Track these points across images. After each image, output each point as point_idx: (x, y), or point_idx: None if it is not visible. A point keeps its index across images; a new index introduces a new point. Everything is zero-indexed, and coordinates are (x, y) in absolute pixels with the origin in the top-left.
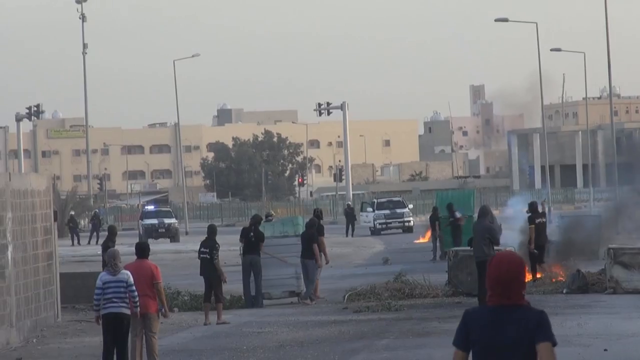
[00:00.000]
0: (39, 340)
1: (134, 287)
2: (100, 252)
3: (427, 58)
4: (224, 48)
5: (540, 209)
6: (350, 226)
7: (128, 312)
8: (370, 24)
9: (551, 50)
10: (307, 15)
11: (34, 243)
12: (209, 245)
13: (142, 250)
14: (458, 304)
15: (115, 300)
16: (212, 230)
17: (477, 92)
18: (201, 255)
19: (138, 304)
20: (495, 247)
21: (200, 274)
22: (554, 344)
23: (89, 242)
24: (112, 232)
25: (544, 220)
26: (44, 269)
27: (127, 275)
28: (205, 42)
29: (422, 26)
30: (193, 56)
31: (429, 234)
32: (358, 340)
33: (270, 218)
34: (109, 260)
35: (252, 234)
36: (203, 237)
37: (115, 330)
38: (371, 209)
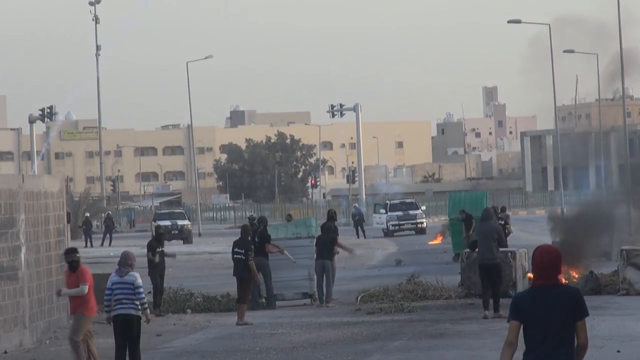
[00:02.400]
0: (52, 341)
1: (141, 289)
2: (112, 253)
3: (439, 60)
4: (237, 50)
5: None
6: (359, 228)
7: (137, 313)
8: (383, 26)
9: (564, 51)
10: (320, 17)
11: (47, 245)
12: (244, 245)
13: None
14: (471, 305)
15: (124, 301)
16: (245, 230)
17: (489, 93)
18: (235, 256)
19: (146, 306)
20: (501, 249)
21: (234, 274)
22: (587, 316)
23: (102, 244)
24: (159, 233)
25: (502, 222)
26: (57, 270)
27: (135, 277)
28: (218, 43)
29: (435, 28)
30: (206, 58)
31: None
32: (371, 341)
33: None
34: (120, 261)
35: (256, 238)
36: (216, 239)
37: (125, 332)
38: (384, 211)
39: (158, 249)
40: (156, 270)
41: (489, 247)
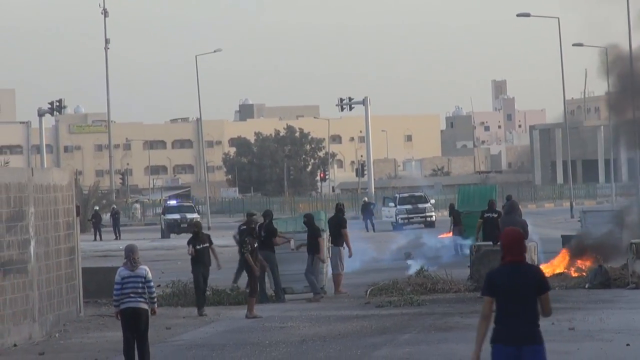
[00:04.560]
0: (61, 334)
1: (152, 283)
2: (122, 247)
3: (448, 53)
4: (246, 43)
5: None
6: (368, 221)
7: (146, 306)
8: (392, 19)
9: (573, 45)
10: (329, 10)
11: (56, 238)
12: (241, 240)
13: None
14: (480, 299)
15: (133, 295)
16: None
17: (498, 87)
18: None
19: (155, 299)
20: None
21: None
22: (550, 289)
23: (115, 237)
24: (195, 232)
25: (495, 215)
26: (66, 263)
27: (146, 270)
28: (227, 37)
29: (444, 21)
30: (215, 51)
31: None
32: (380, 335)
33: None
34: (128, 255)
35: (262, 232)
36: (225, 232)
37: (135, 325)
38: (393, 204)
39: (198, 246)
40: (196, 267)
41: None
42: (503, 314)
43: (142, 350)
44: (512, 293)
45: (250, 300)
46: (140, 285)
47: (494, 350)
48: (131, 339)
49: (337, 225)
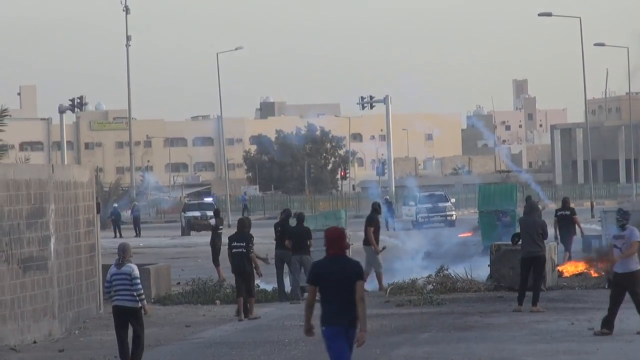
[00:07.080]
0: (81, 331)
1: (138, 281)
2: (142, 244)
3: (470, 52)
4: (267, 41)
5: (541, 206)
6: (389, 219)
7: (133, 305)
8: (414, 18)
9: (595, 44)
10: (350, 8)
11: (76, 235)
12: (244, 239)
13: None
14: (500, 298)
15: (122, 293)
16: (243, 224)
17: (519, 86)
18: (234, 250)
19: (143, 297)
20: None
21: (233, 270)
22: (362, 280)
23: (135, 235)
24: (241, 226)
25: (568, 213)
26: (86, 260)
27: (131, 268)
28: (249, 35)
29: (465, 20)
30: (236, 49)
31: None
32: (400, 333)
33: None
34: (118, 253)
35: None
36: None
37: (124, 323)
38: (413, 203)
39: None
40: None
41: (533, 240)
42: (327, 299)
43: (136, 349)
44: (334, 281)
45: (250, 300)
46: (127, 282)
47: (324, 331)
48: (123, 337)
49: (366, 223)
